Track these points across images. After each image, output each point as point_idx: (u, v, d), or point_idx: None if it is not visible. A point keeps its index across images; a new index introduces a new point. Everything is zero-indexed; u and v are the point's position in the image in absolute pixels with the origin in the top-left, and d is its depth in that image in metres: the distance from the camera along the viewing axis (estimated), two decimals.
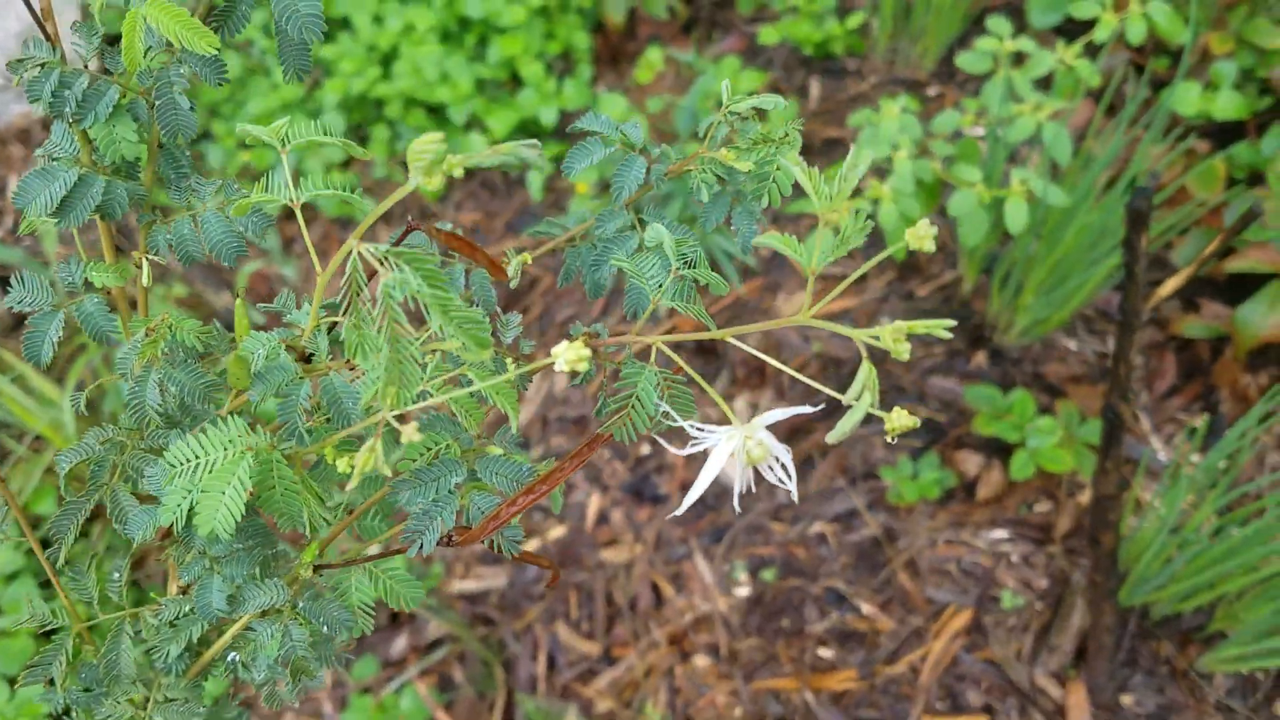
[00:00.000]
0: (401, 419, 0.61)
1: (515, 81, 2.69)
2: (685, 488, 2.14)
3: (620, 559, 2.09)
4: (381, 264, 0.55)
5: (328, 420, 0.67)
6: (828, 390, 0.61)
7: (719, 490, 2.11)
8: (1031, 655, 1.83)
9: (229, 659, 0.81)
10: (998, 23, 1.96)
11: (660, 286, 0.70)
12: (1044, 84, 2.25)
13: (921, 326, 0.59)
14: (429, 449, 0.69)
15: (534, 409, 2.32)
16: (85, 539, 2.16)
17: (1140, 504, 1.89)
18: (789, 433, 2.13)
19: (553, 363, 0.59)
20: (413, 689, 2.00)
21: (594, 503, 2.17)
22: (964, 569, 1.93)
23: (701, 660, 1.95)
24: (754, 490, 2.08)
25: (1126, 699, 1.77)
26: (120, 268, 0.75)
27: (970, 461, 2.00)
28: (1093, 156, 1.99)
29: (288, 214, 2.61)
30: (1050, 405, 2.05)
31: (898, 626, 1.89)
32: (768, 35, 2.59)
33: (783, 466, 0.60)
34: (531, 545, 2.15)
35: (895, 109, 1.95)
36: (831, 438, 0.58)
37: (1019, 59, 2.07)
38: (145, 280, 0.74)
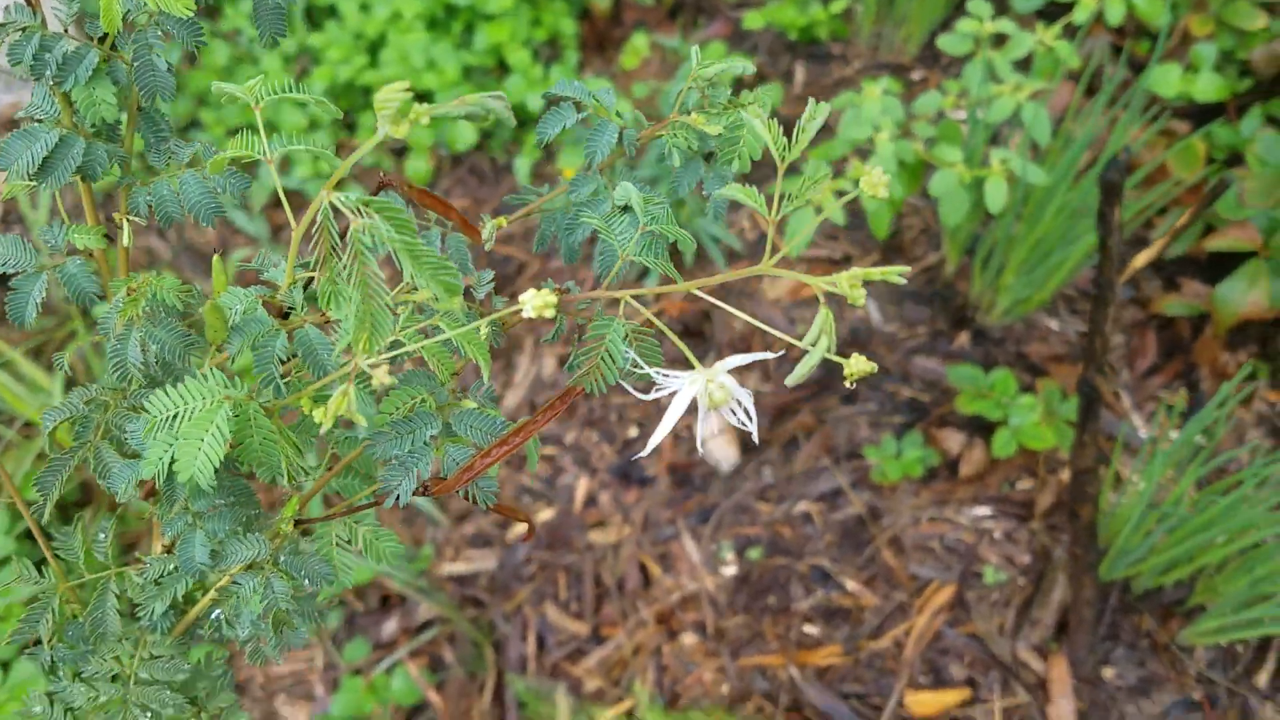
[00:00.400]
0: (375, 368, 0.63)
1: (502, 68, 2.71)
2: (672, 469, 2.16)
3: (608, 540, 2.11)
4: (354, 213, 0.57)
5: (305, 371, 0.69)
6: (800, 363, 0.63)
7: (706, 471, 2.13)
8: (1014, 629, 1.85)
9: (213, 616, 0.83)
10: (978, 5, 1.98)
11: (629, 241, 0.71)
12: (1024, 66, 2.27)
13: (878, 273, 0.61)
14: (405, 402, 0.71)
15: (522, 393, 2.34)
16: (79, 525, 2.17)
17: (1120, 480, 1.91)
18: (775, 414, 2.15)
19: (521, 309, 0.61)
20: (404, 670, 2.01)
21: (582, 485, 2.19)
22: (947, 545, 1.95)
23: (689, 638, 1.96)
24: (741, 471, 2.09)
25: (1108, 672, 1.79)
26: (101, 229, 0.76)
27: (953, 440, 2.02)
28: (1072, 138, 2.01)
29: (276, 201, 2.62)
30: (1032, 384, 2.07)
31: (882, 602, 1.91)
32: (752, 20, 2.61)
33: (744, 410, 0.61)
34: (521, 528, 2.17)
35: (877, 91, 1.97)
36: (790, 380, 0.60)
37: (999, 41, 2.09)
38: (126, 240, 0.75)
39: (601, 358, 0.71)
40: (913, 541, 1.96)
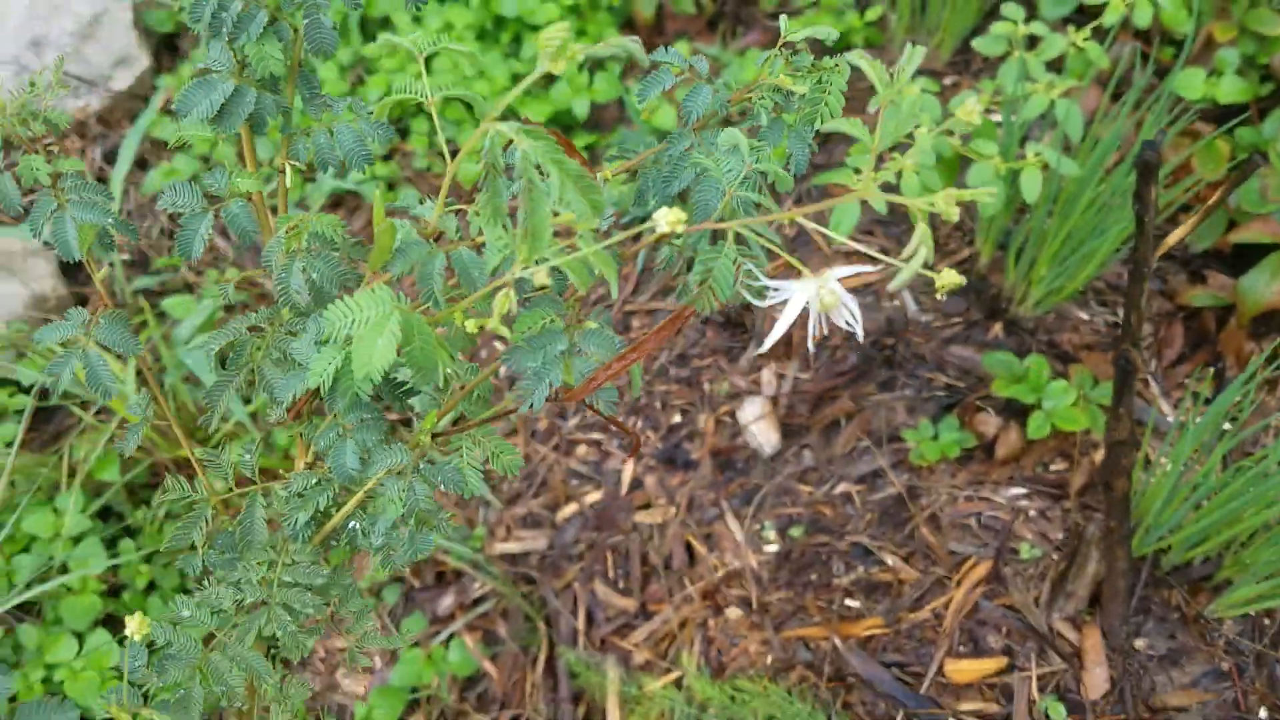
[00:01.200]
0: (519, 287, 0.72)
1: (548, 76, 2.82)
2: (715, 454, 2.24)
3: (654, 521, 2.20)
4: (515, 137, 0.66)
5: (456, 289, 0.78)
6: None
7: (748, 455, 2.22)
8: (1049, 602, 1.92)
9: (349, 527, 0.92)
10: (1012, 8, 2.07)
11: (738, 178, 0.81)
12: (1055, 67, 2.36)
13: (969, 194, 0.70)
14: (537, 322, 0.80)
15: None
16: (146, 507, 2.27)
17: (1150, 463, 1.99)
18: (815, 399, 2.23)
19: (652, 227, 0.70)
20: (460, 642, 2.10)
21: (628, 469, 2.28)
22: (984, 523, 2.03)
23: (734, 612, 2.05)
24: (784, 456, 2.17)
25: (1140, 643, 1.87)
26: (262, 174, 0.86)
27: (989, 423, 2.10)
28: (1100, 140, 2.10)
29: (334, 203, 2.73)
30: (1064, 372, 2.15)
31: (921, 577, 1.99)
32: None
33: (851, 313, 0.70)
34: (570, 510, 2.26)
35: (915, 89, 2.06)
36: (892, 286, 0.69)
37: (1032, 43, 2.18)
38: (289, 183, 0.85)
39: (712, 281, 0.80)
40: (950, 520, 2.04)
